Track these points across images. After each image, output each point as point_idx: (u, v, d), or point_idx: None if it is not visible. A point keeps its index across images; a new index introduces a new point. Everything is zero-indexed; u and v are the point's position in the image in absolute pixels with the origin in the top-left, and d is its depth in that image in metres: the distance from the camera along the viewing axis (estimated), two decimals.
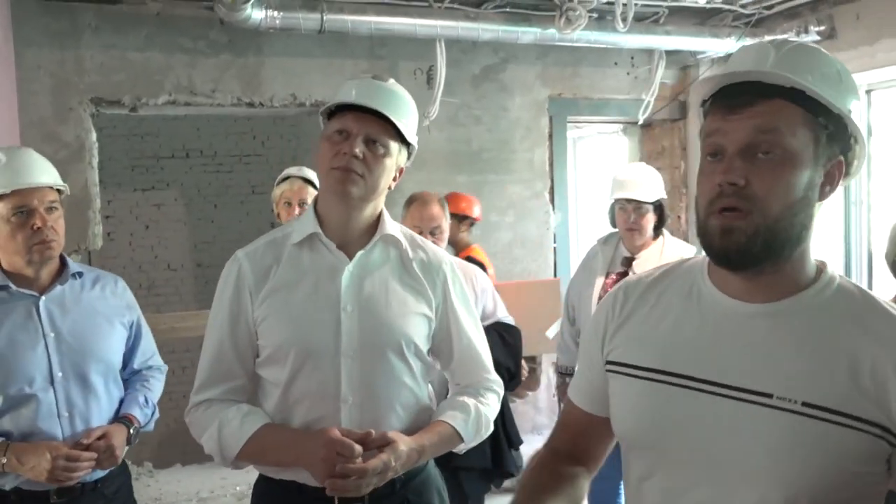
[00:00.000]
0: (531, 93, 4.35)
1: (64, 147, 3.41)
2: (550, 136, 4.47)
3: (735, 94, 0.95)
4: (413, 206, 2.62)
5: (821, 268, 1.01)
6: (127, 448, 1.93)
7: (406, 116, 1.49)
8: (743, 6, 3.99)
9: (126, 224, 5.93)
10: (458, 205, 3.41)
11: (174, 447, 4.46)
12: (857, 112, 0.97)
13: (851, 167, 1.00)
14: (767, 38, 4.15)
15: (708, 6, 3.95)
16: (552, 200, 4.48)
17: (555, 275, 4.46)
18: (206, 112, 4.00)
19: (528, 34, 3.78)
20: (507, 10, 3.77)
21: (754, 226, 0.91)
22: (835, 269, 1.02)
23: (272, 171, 4.82)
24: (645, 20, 4.05)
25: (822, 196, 0.96)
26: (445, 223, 2.60)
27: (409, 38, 3.69)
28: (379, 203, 1.54)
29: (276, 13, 3.30)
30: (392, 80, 1.52)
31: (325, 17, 3.37)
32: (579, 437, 1.21)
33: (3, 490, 1.78)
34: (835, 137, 0.95)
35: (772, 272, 0.96)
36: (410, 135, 1.51)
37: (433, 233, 2.53)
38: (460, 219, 3.35)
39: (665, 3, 3.88)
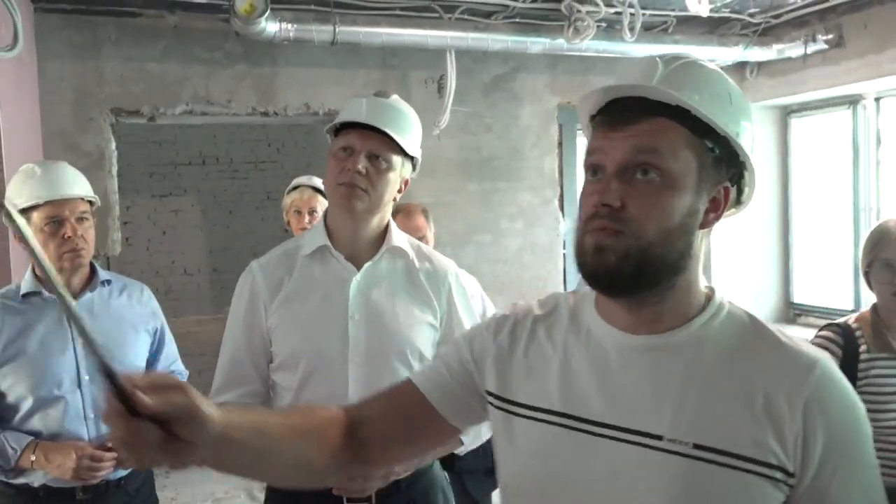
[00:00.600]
0: (541, 101, 4.41)
1: (85, 156, 3.51)
2: (560, 143, 4.53)
3: (620, 111, 0.89)
4: (398, 217, 2.69)
5: (709, 296, 0.94)
6: None
7: (408, 131, 1.56)
8: (751, 15, 4.03)
9: (144, 230, 6.05)
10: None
11: None
12: (748, 136, 0.91)
13: (742, 195, 0.94)
14: (776, 46, 4.19)
15: (716, 15, 3.99)
16: (562, 207, 4.54)
17: (564, 281, 4.51)
18: (222, 121, 4.10)
19: (537, 44, 3.83)
20: (517, 20, 3.83)
21: (625, 247, 0.85)
22: (723, 295, 0.95)
23: (287, 178, 4.88)
24: (653, 29, 4.09)
25: (706, 224, 0.90)
26: (430, 233, 2.70)
27: (420, 48, 3.77)
28: (385, 215, 1.61)
29: (289, 26, 3.38)
30: (395, 97, 1.59)
31: (337, 30, 3.45)
32: (395, 413, 1.07)
33: (32, 486, 1.86)
34: (722, 162, 0.89)
35: (655, 302, 0.90)
36: (412, 148, 1.57)
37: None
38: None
39: (673, 13, 3.93)
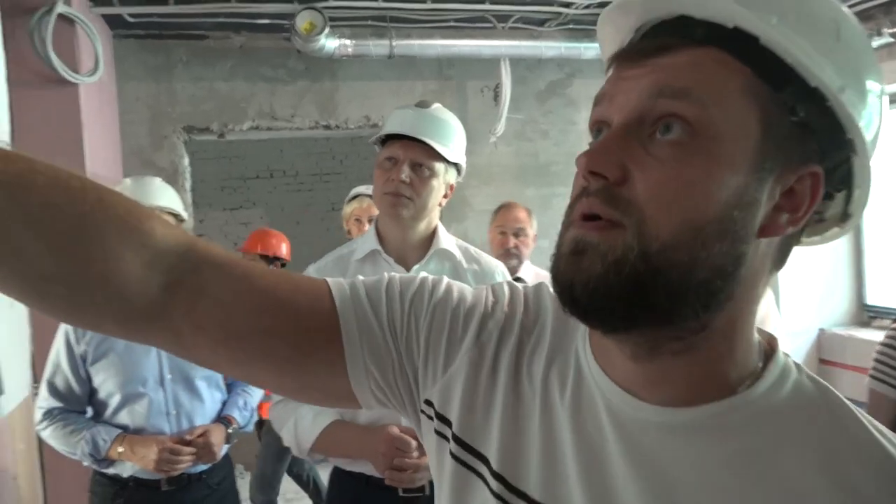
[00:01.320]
0: None
1: (160, 172, 3.71)
2: None
3: (648, 40, 0.58)
4: (500, 211, 2.87)
5: (767, 350, 0.61)
6: (227, 446, 2.15)
7: (450, 139, 1.63)
8: None
9: (216, 241, 6.29)
10: (267, 243, 3.67)
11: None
12: (866, 101, 0.55)
13: (850, 201, 0.59)
14: None
15: None
16: None
17: None
18: (286, 135, 4.28)
19: (590, 49, 3.86)
20: (570, 26, 3.86)
21: (622, 247, 0.52)
22: (785, 350, 0.62)
23: (350, 189, 5.06)
24: None
25: (771, 229, 0.55)
26: (530, 228, 2.79)
27: (475, 58, 3.85)
28: (433, 219, 1.68)
29: (348, 42, 3.52)
30: (437, 106, 1.66)
31: (393, 44, 3.56)
32: (273, 290, 0.65)
33: (122, 477, 2.04)
34: (810, 134, 0.54)
35: (677, 350, 0.56)
36: (455, 155, 1.64)
37: (517, 234, 2.74)
38: (269, 260, 3.61)
39: None
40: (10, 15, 1.22)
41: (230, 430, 2.15)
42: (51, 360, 2.02)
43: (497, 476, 0.62)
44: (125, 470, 2.03)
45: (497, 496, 0.62)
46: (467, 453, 0.65)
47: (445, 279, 0.73)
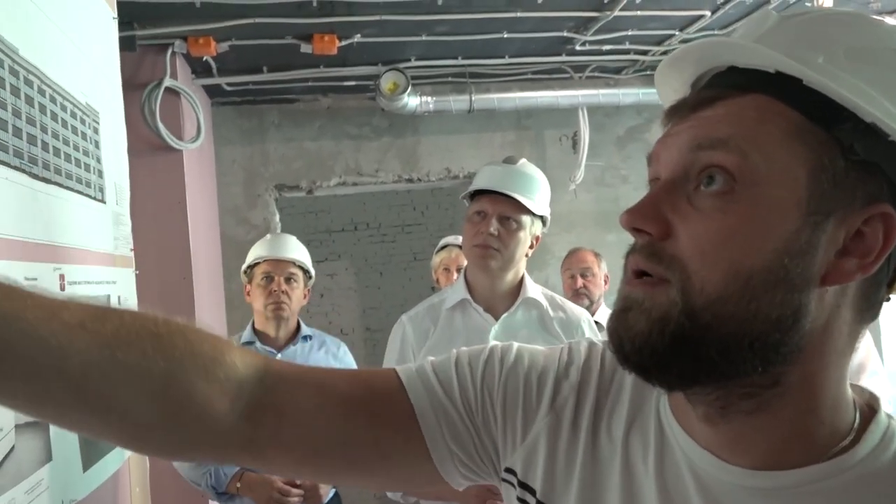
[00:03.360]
0: None
1: (253, 228, 3.92)
2: None
3: (701, 91, 0.59)
4: (568, 256, 3.09)
5: (866, 411, 0.57)
6: (335, 488, 2.26)
7: (535, 193, 1.68)
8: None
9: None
10: None
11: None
12: None
13: None
14: None
15: None
16: None
17: None
18: (370, 189, 4.43)
19: None
20: (647, 72, 3.89)
21: (667, 304, 0.52)
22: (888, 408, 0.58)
23: (432, 239, 5.18)
24: None
25: (837, 276, 0.52)
26: (597, 268, 2.98)
27: (552, 108, 3.92)
28: (520, 269, 1.73)
29: (429, 98, 3.66)
30: (523, 161, 1.73)
31: (473, 98, 3.68)
32: (349, 394, 0.67)
33: None
34: (877, 171, 0.52)
35: (751, 408, 0.55)
36: (540, 208, 1.70)
37: (583, 274, 2.94)
38: None
39: None
40: (124, 89, 1.38)
41: None
42: None
43: None
44: None
45: None
46: None
47: (515, 345, 0.72)
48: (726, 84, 0.56)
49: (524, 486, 0.67)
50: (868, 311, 0.55)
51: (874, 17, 0.56)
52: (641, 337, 0.53)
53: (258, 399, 0.63)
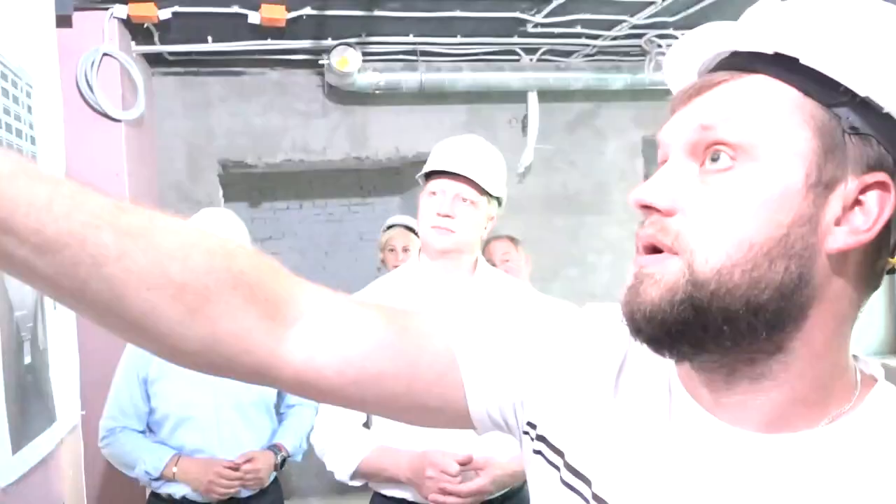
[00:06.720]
0: (626, 135, 4.45)
1: (196, 204, 3.79)
2: (646, 177, 4.53)
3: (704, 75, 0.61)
4: (488, 245, 3.13)
5: (868, 378, 0.61)
6: (275, 473, 2.20)
7: (490, 173, 1.67)
8: None
9: None
10: None
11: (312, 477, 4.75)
12: None
13: None
14: None
15: None
16: None
17: None
18: (318, 167, 4.35)
19: (618, 80, 3.90)
20: (597, 58, 3.91)
21: (675, 274, 0.55)
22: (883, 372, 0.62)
23: (378, 220, 5.12)
24: None
25: (838, 243, 0.55)
26: (514, 254, 3.14)
27: (503, 90, 3.91)
28: (474, 250, 1.72)
29: (379, 75, 3.60)
30: (479, 140, 1.70)
31: (423, 77, 3.64)
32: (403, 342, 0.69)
33: (175, 497, 2.11)
34: (876, 143, 0.54)
35: (757, 374, 0.57)
36: (495, 189, 1.68)
37: (504, 261, 3.08)
38: None
39: None
40: (60, 55, 1.30)
41: (278, 458, 2.19)
42: (115, 381, 2.13)
43: (597, 498, 0.64)
44: (178, 490, 2.09)
45: None
46: (576, 478, 0.66)
47: (537, 313, 0.75)
48: (729, 67, 0.59)
49: (543, 439, 0.69)
50: (870, 280, 0.58)
51: None
52: (652, 307, 0.56)
53: (298, 318, 0.68)
